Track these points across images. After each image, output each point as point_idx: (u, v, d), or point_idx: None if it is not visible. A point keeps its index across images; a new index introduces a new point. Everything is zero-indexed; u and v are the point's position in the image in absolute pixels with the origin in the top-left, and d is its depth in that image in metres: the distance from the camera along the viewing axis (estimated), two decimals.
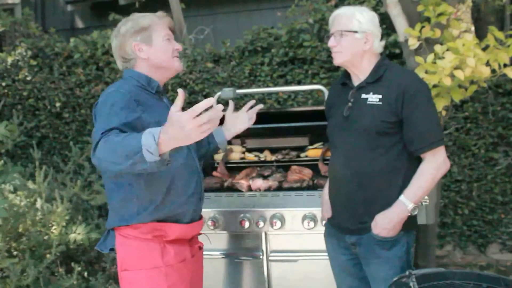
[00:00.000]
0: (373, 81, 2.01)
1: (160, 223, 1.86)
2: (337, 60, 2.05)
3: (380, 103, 1.96)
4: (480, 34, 3.81)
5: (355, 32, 1.99)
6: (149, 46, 1.92)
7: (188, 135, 1.42)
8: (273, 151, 3.02)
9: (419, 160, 1.98)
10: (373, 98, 1.98)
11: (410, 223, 2.02)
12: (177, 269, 1.86)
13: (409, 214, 1.94)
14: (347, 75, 2.13)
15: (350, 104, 2.04)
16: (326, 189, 2.24)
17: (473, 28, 4.36)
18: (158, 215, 1.86)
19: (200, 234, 2.10)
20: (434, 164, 1.95)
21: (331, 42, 2.04)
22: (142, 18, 1.94)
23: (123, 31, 1.93)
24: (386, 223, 1.94)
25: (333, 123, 2.13)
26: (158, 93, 1.97)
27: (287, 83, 4.38)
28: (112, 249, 1.94)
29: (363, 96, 2.01)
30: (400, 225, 1.96)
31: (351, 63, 2.04)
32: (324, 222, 2.27)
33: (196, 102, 4.53)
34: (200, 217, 2.05)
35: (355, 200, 2.02)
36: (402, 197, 1.94)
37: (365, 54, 2.03)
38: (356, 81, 2.08)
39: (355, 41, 2.00)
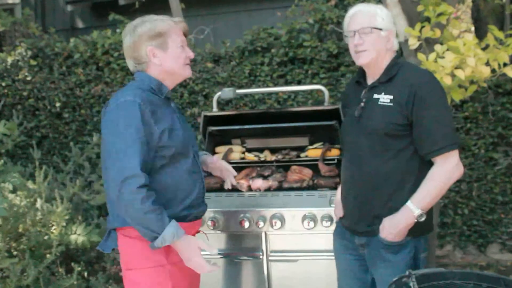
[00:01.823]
0: (386, 81, 1.94)
1: None
2: (363, 60, 1.94)
3: (391, 104, 1.89)
4: (480, 34, 3.81)
5: (380, 29, 1.92)
6: (164, 52, 1.90)
7: (189, 264, 1.83)
8: (273, 151, 3.02)
9: (431, 163, 1.90)
10: (384, 98, 1.91)
11: (420, 228, 1.93)
12: (180, 268, 1.87)
13: (416, 220, 1.87)
14: (362, 73, 2.06)
15: (362, 104, 1.98)
16: (339, 189, 2.18)
17: (473, 28, 4.37)
18: None
19: (198, 232, 2.11)
20: (445, 169, 1.86)
21: (356, 40, 1.92)
22: (160, 22, 1.90)
23: (139, 32, 1.89)
24: (392, 228, 1.89)
25: (346, 123, 2.10)
26: (167, 98, 1.97)
27: (287, 83, 4.38)
28: (114, 249, 1.95)
29: (375, 96, 1.95)
30: (406, 231, 1.90)
31: (375, 62, 1.96)
32: (335, 220, 2.22)
33: (196, 102, 4.55)
34: (201, 217, 2.07)
35: (365, 202, 1.98)
36: (409, 203, 1.87)
37: (387, 53, 1.96)
38: (370, 80, 2.01)
39: (380, 39, 1.92)
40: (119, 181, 1.71)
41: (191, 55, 1.99)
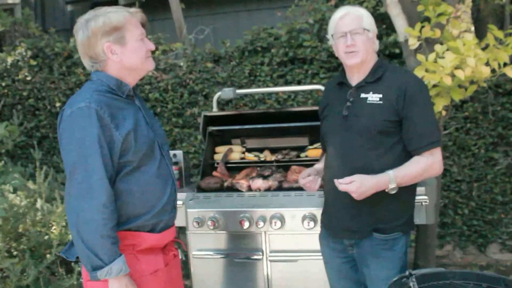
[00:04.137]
0: (373, 81, 2.00)
1: (132, 232, 1.75)
2: (356, 60, 1.97)
3: (381, 102, 1.95)
4: (480, 34, 3.81)
5: (369, 31, 1.98)
6: (122, 48, 1.73)
7: None
8: (273, 151, 3.02)
9: None
10: (373, 97, 1.97)
11: (409, 224, 2.04)
12: (146, 281, 1.76)
13: (386, 189, 1.90)
14: (343, 74, 2.11)
15: (349, 103, 2.02)
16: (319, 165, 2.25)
17: (473, 28, 4.36)
18: (130, 225, 1.75)
19: (174, 241, 1.97)
20: (430, 161, 1.94)
21: (349, 41, 1.96)
22: (115, 15, 1.72)
23: (93, 28, 1.70)
24: (363, 185, 1.87)
25: (331, 123, 2.11)
26: (129, 97, 1.81)
27: (287, 83, 4.38)
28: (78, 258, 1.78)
29: (363, 95, 2.00)
30: (368, 194, 1.89)
31: (363, 63, 2.01)
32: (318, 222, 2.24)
33: (196, 102, 4.54)
34: (173, 224, 1.93)
35: (356, 200, 1.97)
36: (391, 172, 1.90)
37: (373, 54, 2.04)
38: (354, 81, 2.05)
39: (368, 40, 1.99)
40: (80, 196, 1.61)
41: (152, 47, 1.82)
